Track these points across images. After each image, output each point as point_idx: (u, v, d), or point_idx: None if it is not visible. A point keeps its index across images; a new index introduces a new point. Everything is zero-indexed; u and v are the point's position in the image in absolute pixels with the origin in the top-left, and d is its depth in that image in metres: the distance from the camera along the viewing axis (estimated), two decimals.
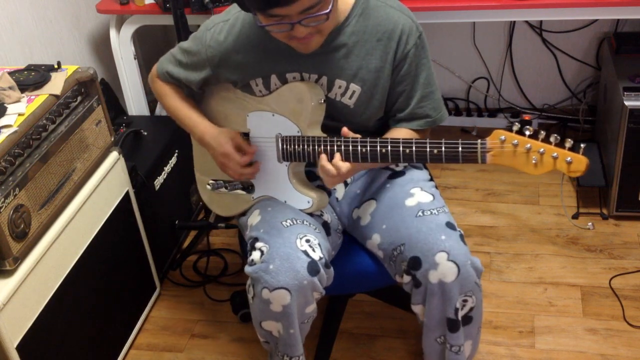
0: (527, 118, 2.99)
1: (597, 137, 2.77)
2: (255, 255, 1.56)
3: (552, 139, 1.35)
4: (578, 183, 2.55)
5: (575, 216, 2.50)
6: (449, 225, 1.58)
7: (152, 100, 2.69)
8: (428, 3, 2.19)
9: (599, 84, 2.82)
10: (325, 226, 1.69)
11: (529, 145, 1.36)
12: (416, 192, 1.66)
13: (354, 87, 1.60)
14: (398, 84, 1.61)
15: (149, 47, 2.96)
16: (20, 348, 1.58)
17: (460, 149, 1.44)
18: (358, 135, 1.53)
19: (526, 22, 2.87)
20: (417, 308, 1.62)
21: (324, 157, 1.53)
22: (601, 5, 2.13)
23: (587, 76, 2.97)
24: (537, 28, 2.88)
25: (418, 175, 1.73)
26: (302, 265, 1.51)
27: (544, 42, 2.92)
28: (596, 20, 2.78)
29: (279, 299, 1.52)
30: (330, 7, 1.42)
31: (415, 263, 1.55)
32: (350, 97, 1.61)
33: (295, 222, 1.60)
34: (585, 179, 2.53)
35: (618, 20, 2.78)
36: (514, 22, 2.87)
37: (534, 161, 1.37)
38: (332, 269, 1.60)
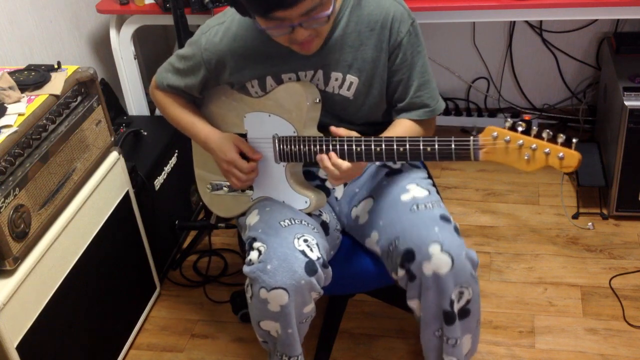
0: (527, 118, 2.98)
1: (597, 137, 2.77)
2: (253, 255, 1.56)
3: (544, 135, 1.34)
4: (578, 183, 2.54)
5: (575, 216, 2.50)
6: (443, 217, 1.58)
7: (152, 100, 2.69)
8: (428, 3, 2.19)
9: (599, 84, 2.82)
10: (324, 226, 1.69)
11: (521, 142, 1.36)
12: (412, 188, 1.65)
13: (351, 78, 1.60)
14: (395, 73, 1.61)
15: (149, 47, 2.96)
16: (20, 348, 1.58)
17: (453, 146, 1.45)
18: (353, 133, 1.53)
19: (526, 22, 2.87)
20: (413, 303, 1.62)
21: (325, 158, 1.53)
22: (601, 5, 2.13)
23: (587, 76, 2.97)
24: (537, 28, 2.88)
25: (415, 173, 1.73)
26: (299, 265, 1.51)
27: (544, 42, 2.92)
28: (596, 20, 2.78)
29: (277, 299, 1.52)
30: (331, 8, 1.42)
31: (409, 255, 1.54)
32: (349, 89, 1.62)
33: (293, 222, 1.60)
34: (585, 179, 2.53)
35: (618, 20, 2.78)
36: (514, 22, 2.87)
37: (526, 157, 1.36)
38: (330, 268, 1.60)
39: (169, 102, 1.77)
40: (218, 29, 1.63)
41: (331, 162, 1.51)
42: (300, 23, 1.41)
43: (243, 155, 1.66)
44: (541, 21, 2.85)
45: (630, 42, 2.56)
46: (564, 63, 2.96)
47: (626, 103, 2.25)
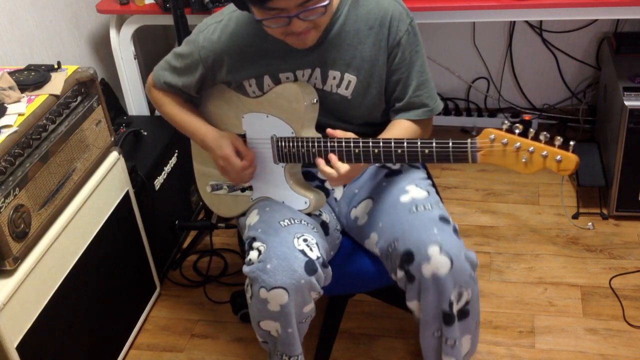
0: (527, 118, 2.99)
1: (597, 137, 2.77)
2: (253, 255, 1.56)
3: (541, 137, 1.34)
4: (578, 183, 2.54)
5: (575, 216, 2.50)
6: (443, 219, 1.58)
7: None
8: (428, 3, 2.19)
9: (599, 84, 2.82)
10: (324, 226, 1.69)
11: (518, 144, 1.36)
12: (411, 189, 1.65)
13: (349, 77, 1.60)
14: (394, 72, 1.61)
15: (149, 47, 2.96)
16: (20, 348, 1.58)
17: (450, 148, 1.45)
18: (350, 134, 1.53)
19: (526, 22, 2.87)
20: (412, 304, 1.62)
21: (322, 162, 1.53)
22: (601, 5, 2.13)
23: (587, 76, 2.97)
24: (537, 28, 2.88)
25: (415, 173, 1.73)
26: (299, 265, 1.51)
27: (544, 42, 2.92)
28: (596, 20, 2.78)
29: (277, 299, 1.52)
30: None
31: (408, 257, 1.54)
32: (347, 88, 1.61)
33: (293, 221, 1.60)
34: (585, 179, 2.53)
35: (618, 20, 2.78)
36: (514, 22, 2.87)
37: (523, 160, 1.36)
38: (329, 268, 1.60)
39: (167, 101, 1.76)
40: (216, 26, 1.63)
41: (330, 164, 1.51)
42: (297, 14, 1.40)
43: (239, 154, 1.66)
44: (541, 21, 2.85)
45: (630, 42, 2.56)
46: (564, 63, 2.96)
47: (626, 103, 2.25)
